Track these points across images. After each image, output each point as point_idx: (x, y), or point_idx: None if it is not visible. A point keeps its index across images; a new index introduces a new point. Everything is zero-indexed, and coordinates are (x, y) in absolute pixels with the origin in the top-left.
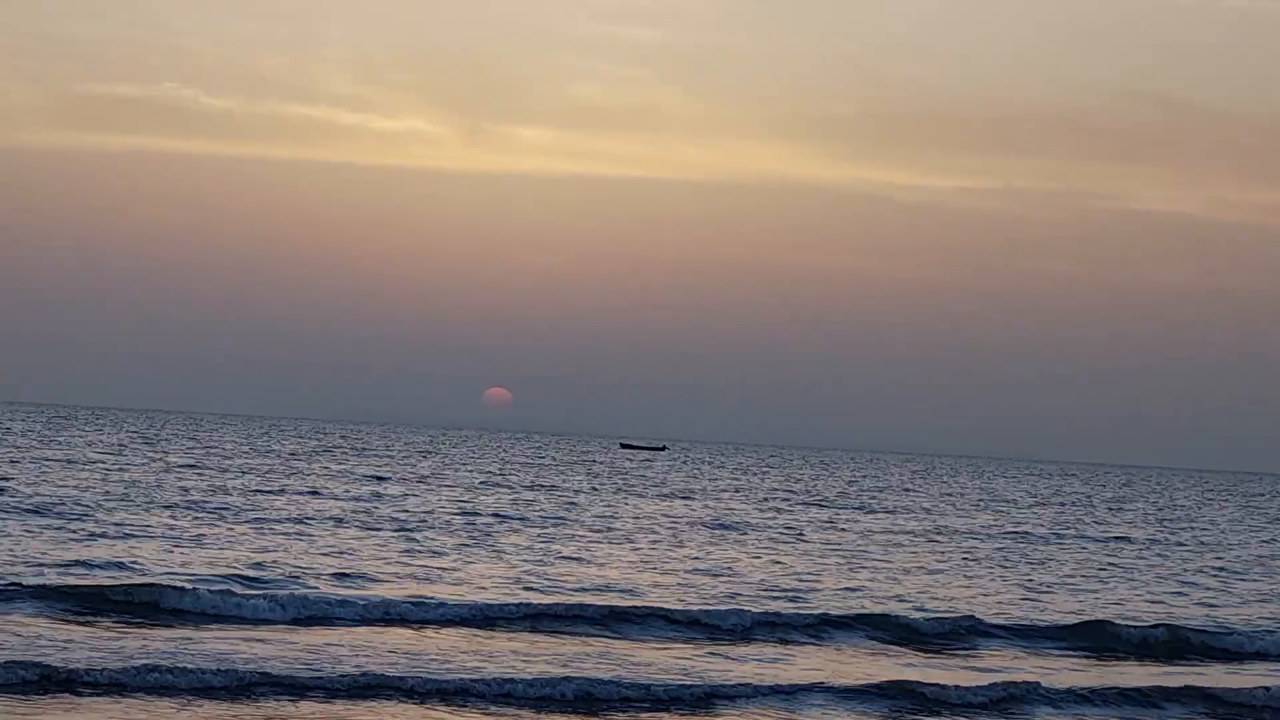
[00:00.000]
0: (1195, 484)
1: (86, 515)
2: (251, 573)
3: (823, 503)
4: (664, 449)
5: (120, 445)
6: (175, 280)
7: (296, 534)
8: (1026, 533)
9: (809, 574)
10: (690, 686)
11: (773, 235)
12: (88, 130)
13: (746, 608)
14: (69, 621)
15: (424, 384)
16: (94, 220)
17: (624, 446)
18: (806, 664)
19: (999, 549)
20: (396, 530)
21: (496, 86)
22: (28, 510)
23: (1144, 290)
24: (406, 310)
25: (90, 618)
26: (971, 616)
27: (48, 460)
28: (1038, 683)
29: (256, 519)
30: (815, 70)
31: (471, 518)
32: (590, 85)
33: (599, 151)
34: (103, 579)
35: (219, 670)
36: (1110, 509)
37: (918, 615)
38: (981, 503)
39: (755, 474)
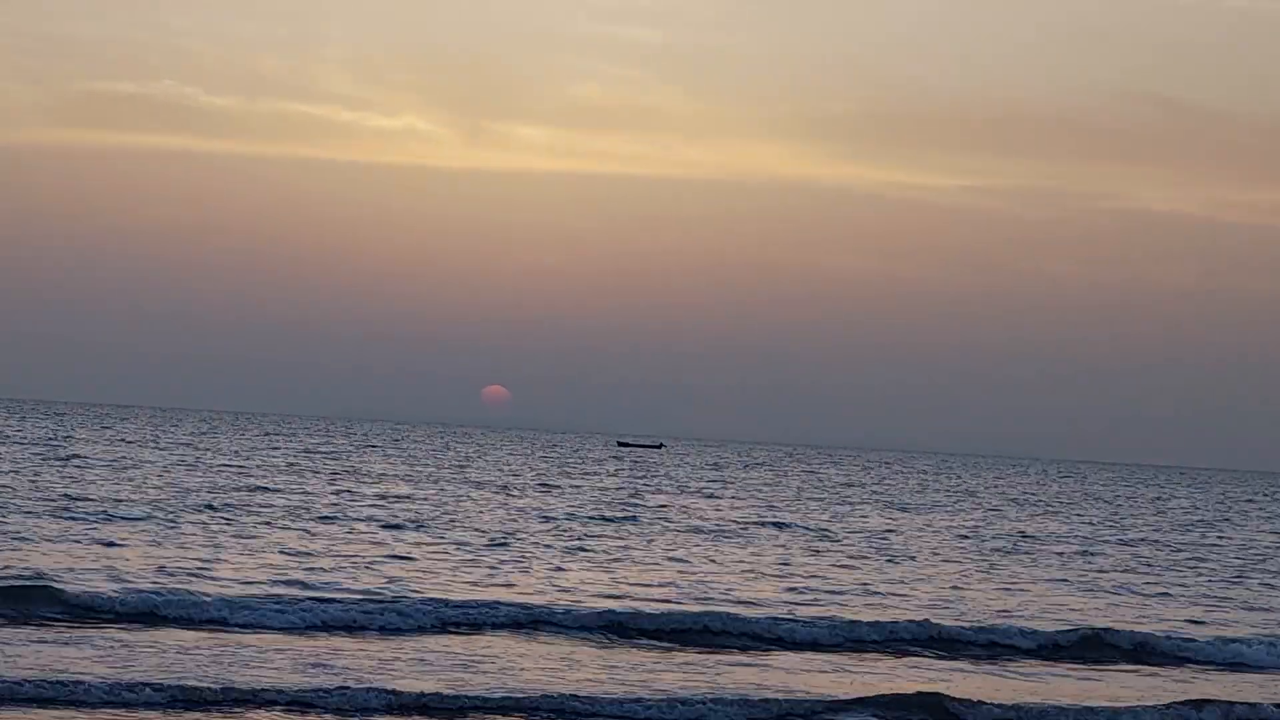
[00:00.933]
0: (1218, 484)
1: (175, 522)
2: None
3: (873, 502)
4: (661, 447)
5: (141, 442)
6: (174, 278)
7: (386, 538)
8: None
9: (911, 581)
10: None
11: (772, 234)
12: (87, 128)
13: (853, 618)
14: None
15: (422, 382)
16: (93, 218)
17: (621, 444)
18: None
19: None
20: (472, 533)
21: (496, 85)
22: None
23: (1144, 290)
24: (405, 308)
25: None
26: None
27: (98, 462)
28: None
29: (335, 520)
30: (815, 70)
31: (551, 521)
32: (590, 84)
33: (598, 151)
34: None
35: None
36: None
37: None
38: (1041, 504)
39: (782, 472)
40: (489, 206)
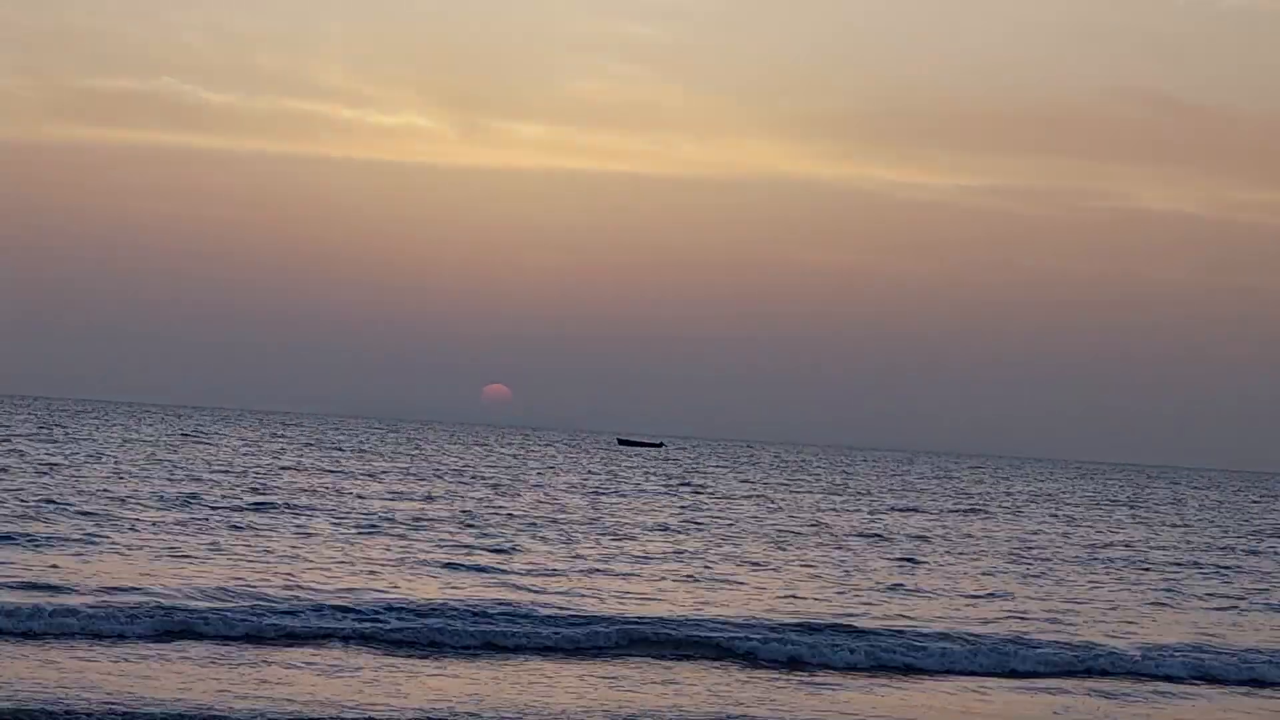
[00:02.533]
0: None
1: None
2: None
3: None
4: (661, 445)
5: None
6: (170, 275)
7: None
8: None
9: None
10: None
11: (771, 232)
12: (85, 124)
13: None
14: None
15: (421, 380)
16: (90, 215)
17: (622, 442)
18: None
19: None
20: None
21: (494, 82)
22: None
23: (1142, 288)
24: (403, 306)
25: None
26: None
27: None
28: None
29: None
30: (814, 68)
31: (710, 528)
32: (589, 81)
33: (597, 148)
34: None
35: None
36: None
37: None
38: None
39: (827, 474)
40: (488, 204)
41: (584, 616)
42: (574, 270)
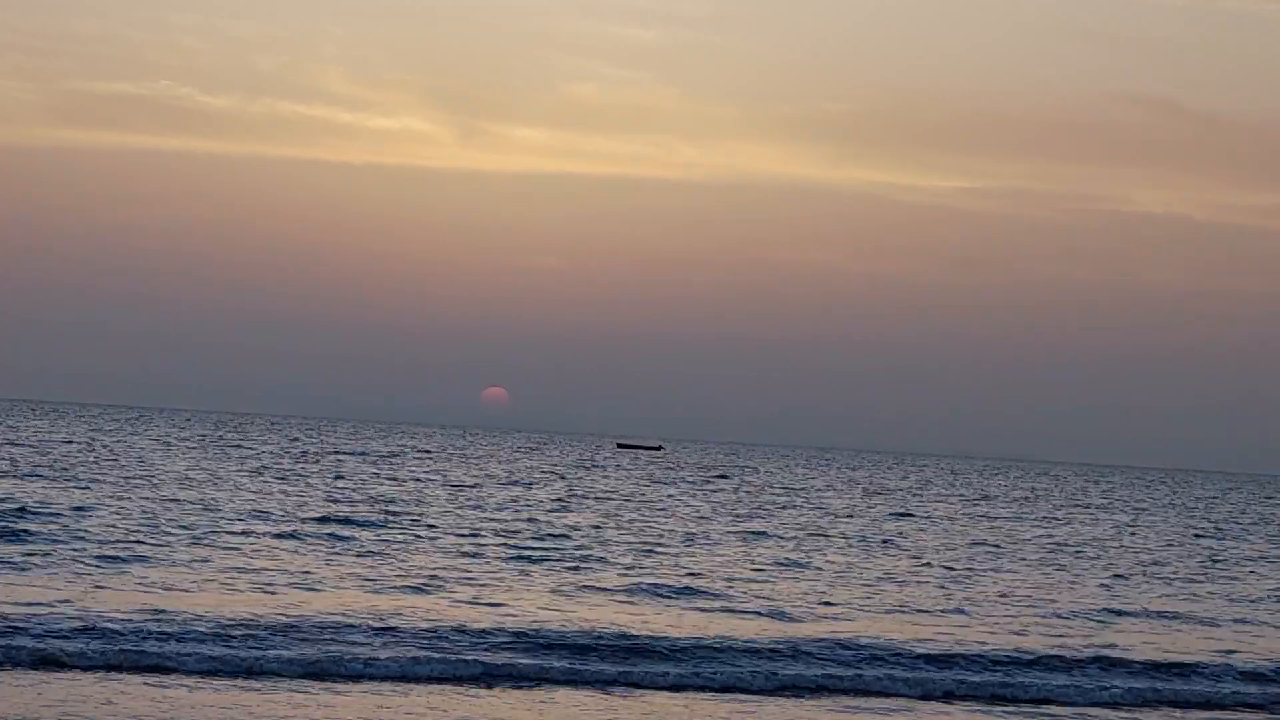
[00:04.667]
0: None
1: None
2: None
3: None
4: (660, 448)
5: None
6: (169, 279)
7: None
8: None
9: None
10: None
11: (768, 234)
12: (83, 127)
13: None
14: None
15: (420, 382)
16: (88, 218)
17: (621, 446)
18: None
19: None
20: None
21: (493, 85)
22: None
23: (1140, 291)
24: (403, 309)
25: None
26: None
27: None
28: None
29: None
30: (813, 70)
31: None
32: (586, 84)
33: (595, 151)
34: None
35: None
36: None
37: None
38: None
39: (897, 475)
40: (487, 207)
41: None
42: (572, 273)
